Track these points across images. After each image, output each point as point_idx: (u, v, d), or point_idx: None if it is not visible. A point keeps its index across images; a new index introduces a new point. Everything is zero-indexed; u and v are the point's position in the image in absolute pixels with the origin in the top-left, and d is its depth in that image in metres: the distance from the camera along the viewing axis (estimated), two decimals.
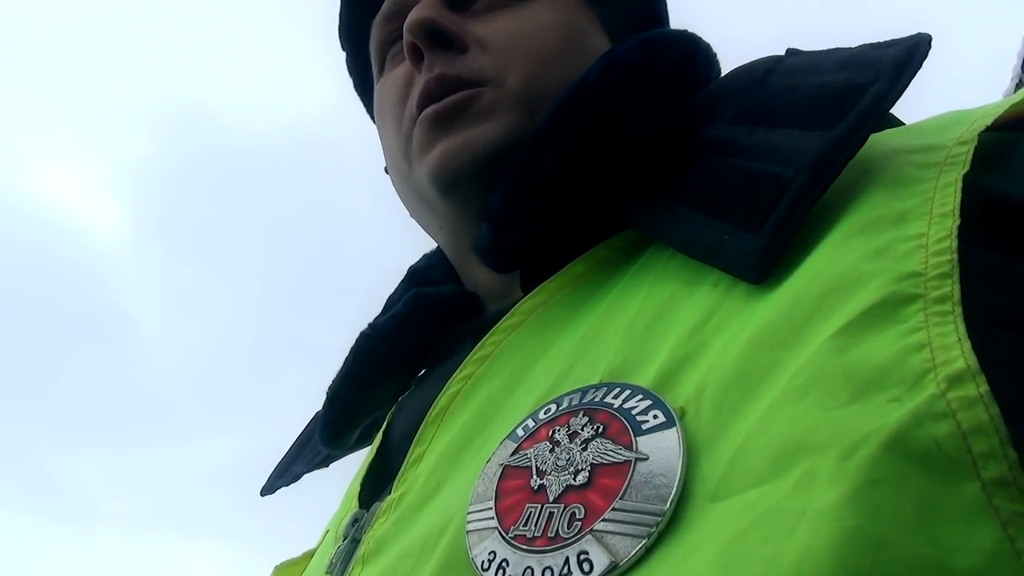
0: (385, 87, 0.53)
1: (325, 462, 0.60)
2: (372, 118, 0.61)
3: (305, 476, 0.61)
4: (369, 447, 0.51)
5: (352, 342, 0.53)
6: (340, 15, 0.59)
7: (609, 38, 0.54)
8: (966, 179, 0.30)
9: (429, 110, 0.47)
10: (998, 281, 0.28)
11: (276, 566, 0.55)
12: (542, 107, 0.45)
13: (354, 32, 0.58)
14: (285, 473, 0.61)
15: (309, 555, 0.51)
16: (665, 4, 0.60)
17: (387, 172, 0.57)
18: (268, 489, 0.62)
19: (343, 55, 0.62)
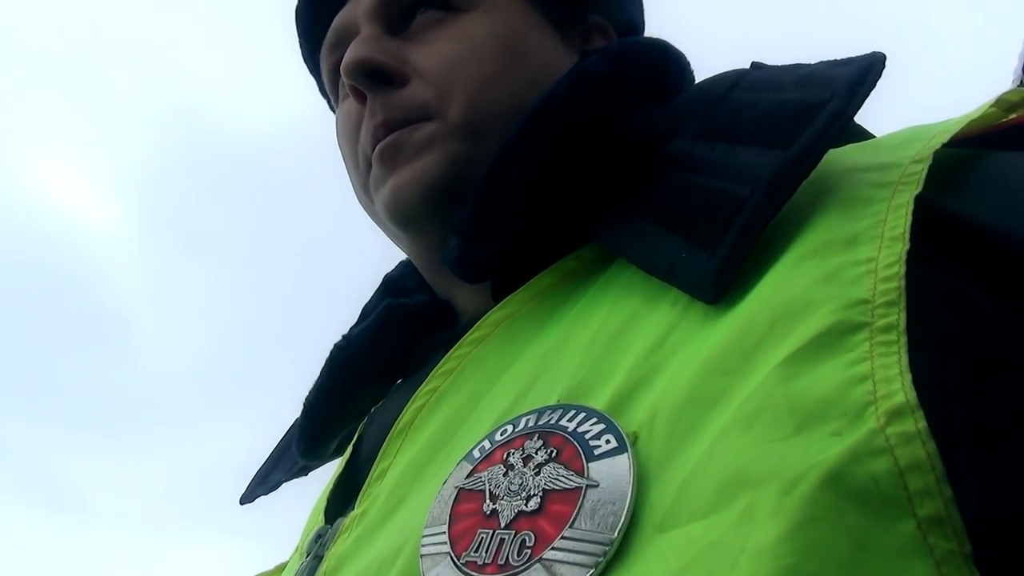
0: (340, 121, 0.53)
1: (303, 471, 0.60)
2: None
3: (284, 484, 0.61)
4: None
5: (326, 353, 0.53)
6: (299, 44, 0.58)
7: (559, 33, 0.52)
8: (920, 199, 0.29)
9: (376, 149, 0.47)
10: (950, 305, 0.28)
11: None
12: (488, 129, 0.46)
13: (312, 59, 0.58)
14: (264, 482, 0.61)
15: (282, 567, 0.52)
16: None
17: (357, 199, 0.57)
18: (247, 498, 0.62)
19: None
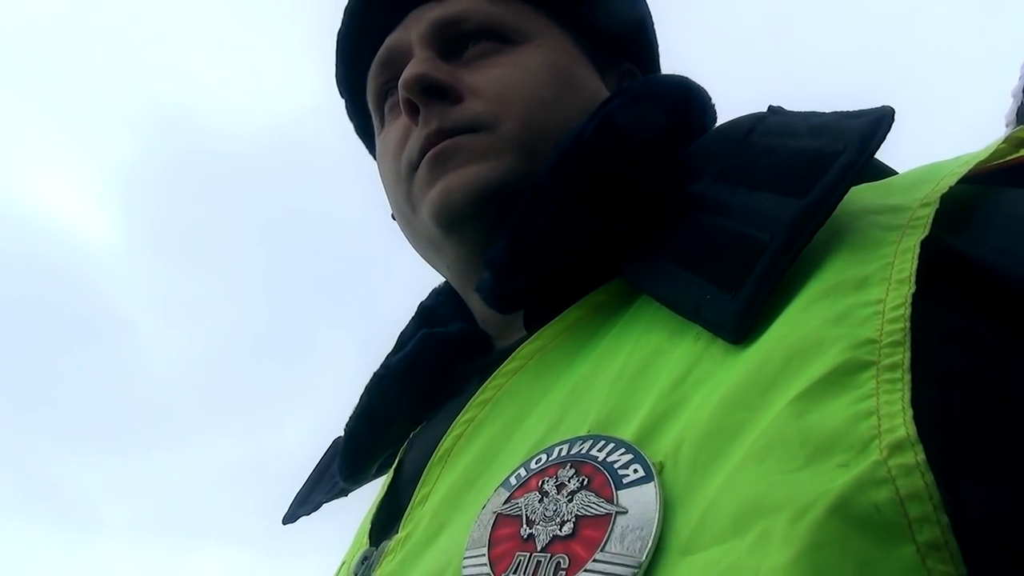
0: (385, 141, 0.56)
1: (343, 492, 0.62)
2: (375, 158, 0.64)
3: (324, 505, 0.64)
4: (383, 478, 0.53)
5: (367, 381, 0.56)
6: (336, 63, 0.61)
7: (599, 74, 0.56)
8: (929, 240, 0.31)
9: (430, 153, 0.50)
10: (956, 340, 0.30)
11: None
12: (539, 149, 0.48)
13: (351, 81, 0.61)
14: (305, 502, 0.64)
15: None
16: (654, 32, 0.62)
17: (393, 219, 0.60)
18: (289, 518, 0.64)
19: (342, 102, 0.64)
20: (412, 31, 0.53)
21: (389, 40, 0.55)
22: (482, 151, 0.49)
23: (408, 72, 0.50)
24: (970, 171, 0.35)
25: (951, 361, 0.29)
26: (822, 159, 0.36)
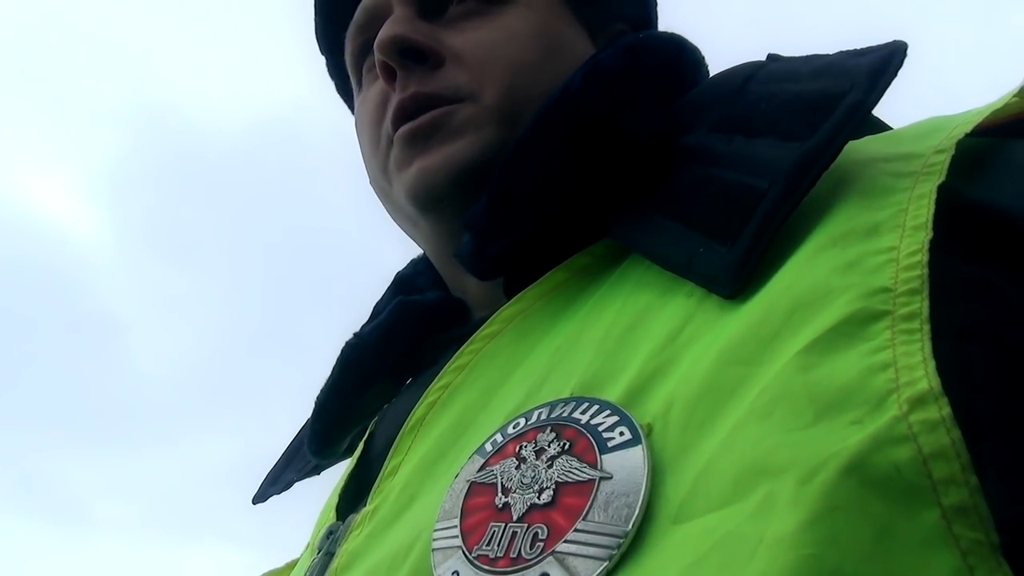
0: (363, 105, 0.52)
1: (316, 470, 0.59)
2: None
3: (296, 484, 0.61)
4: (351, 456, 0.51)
5: (337, 351, 0.53)
6: (315, 21, 0.58)
7: (589, 35, 0.53)
8: (944, 188, 0.29)
9: (404, 128, 0.46)
10: (974, 293, 0.27)
11: (263, 574, 0.55)
12: (522, 118, 0.45)
13: (330, 38, 0.57)
14: (276, 481, 0.61)
15: (292, 565, 0.51)
16: None
17: (372, 185, 0.56)
18: (259, 497, 0.62)
19: (322, 59, 0.61)
20: None
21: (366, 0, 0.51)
22: (461, 126, 0.45)
23: (384, 33, 0.46)
24: (980, 125, 0.33)
25: (970, 315, 0.26)
26: (826, 100, 0.33)
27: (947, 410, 0.22)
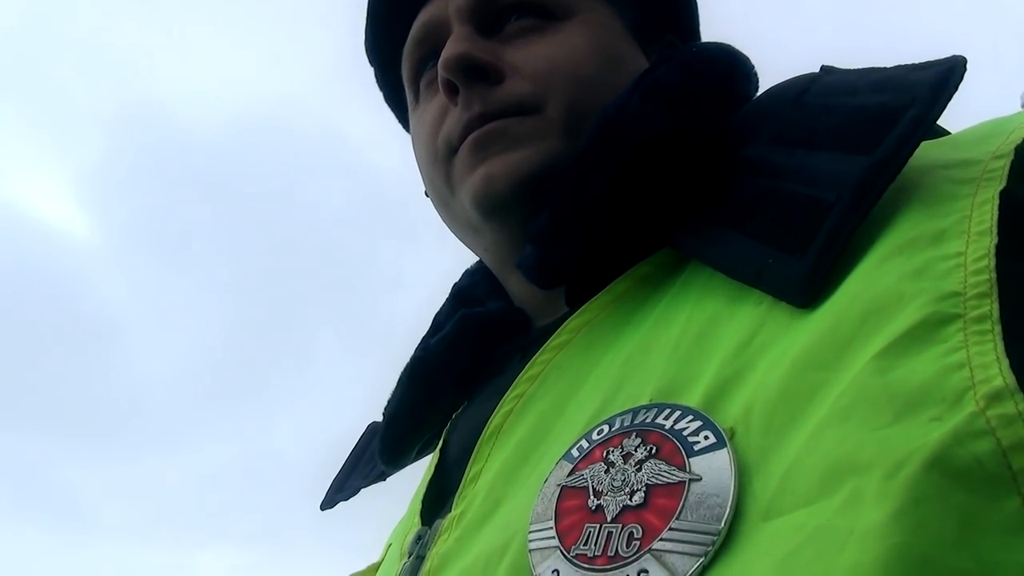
0: (422, 118, 0.54)
1: (382, 476, 0.62)
2: (405, 129, 0.62)
3: (363, 490, 0.63)
4: (426, 460, 0.53)
5: (406, 363, 0.56)
6: (366, 33, 0.60)
7: (640, 47, 0.55)
8: (1004, 194, 0.30)
9: (471, 136, 0.48)
10: None
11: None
12: (584, 129, 0.46)
13: (382, 51, 0.59)
14: (343, 488, 0.63)
15: (374, 568, 0.54)
16: (695, 5, 0.60)
17: (427, 196, 0.59)
18: (327, 504, 0.64)
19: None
20: (450, 4, 0.52)
21: (424, 14, 0.54)
22: (526, 135, 0.47)
23: (448, 51, 0.48)
24: None
25: None
26: (889, 113, 0.34)
27: (1023, 405, 0.23)
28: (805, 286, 0.32)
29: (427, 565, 0.40)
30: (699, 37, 0.60)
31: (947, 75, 0.35)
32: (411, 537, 0.43)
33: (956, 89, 0.34)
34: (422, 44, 0.54)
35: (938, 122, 0.35)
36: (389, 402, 0.56)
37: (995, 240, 0.28)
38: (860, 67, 0.41)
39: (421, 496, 0.48)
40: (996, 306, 0.26)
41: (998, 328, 0.26)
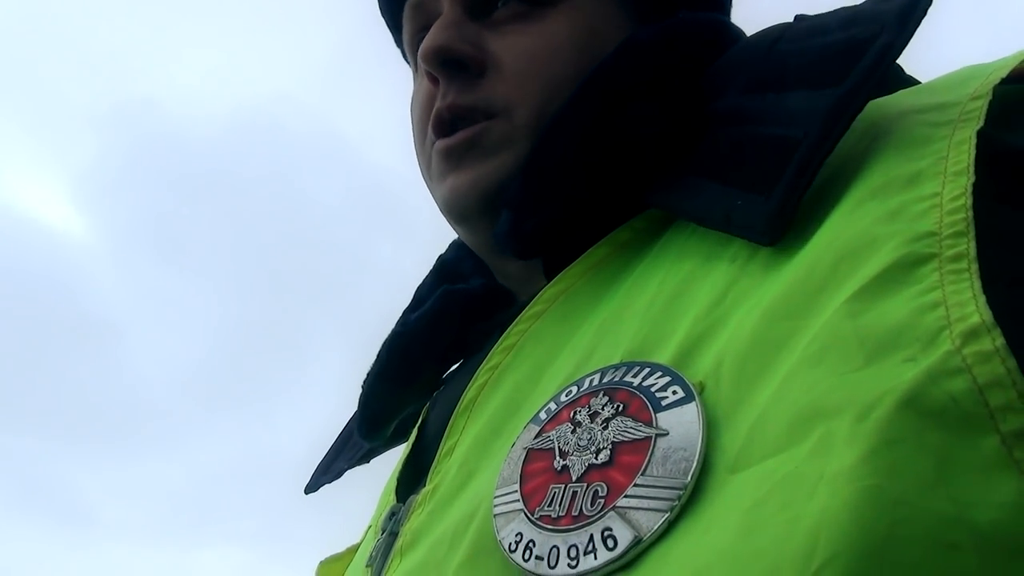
0: (415, 96, 0.53)
1: (366, 458, 0.61)
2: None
3: (347, 472, 0.62)
4: (406, 443, 0.52)
5: (384, 338, 0.54)
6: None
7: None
8: (982, 134, 0.29)
9: (440, 144, 0.48)
10: (1019, 238, 0.27)
11: (321, 561, 0.57)
12: None
13: (393, 14, 0.57)
14: (328, 471, 0.62)
15: (353, 549, 0.53)
16: None
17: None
18: (312, 487, 0.63)
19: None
20: None
21: None
22: (492, 146, 0.46)
23: (428, 42, 0.47)
24: (1014, 71, 0.33)
25: (1016, 260, 0.26)
26: (858, 45, 0.33)
27: (1001, 341, 0.22)
28: (772, 222, 0.31)
29: (400, 541, 0.38)
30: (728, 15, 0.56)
31: (914, 3, 0.34)
32: (385, 514, 0.42)
33: (924, 14, 0.33)
34: (417, 12, 0.53)
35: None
36: (366, 378, 0.55)
37: (972, 179, 0.27)
38: (831, 10, 0.40)
39: (397, 473, 0.47)
40: (973, 245, 0.25)
41: (975, 267, 0.25)
